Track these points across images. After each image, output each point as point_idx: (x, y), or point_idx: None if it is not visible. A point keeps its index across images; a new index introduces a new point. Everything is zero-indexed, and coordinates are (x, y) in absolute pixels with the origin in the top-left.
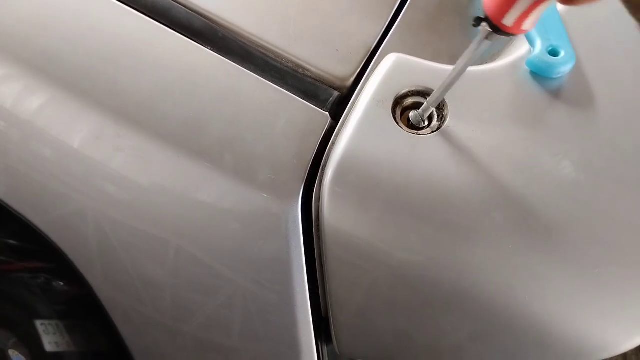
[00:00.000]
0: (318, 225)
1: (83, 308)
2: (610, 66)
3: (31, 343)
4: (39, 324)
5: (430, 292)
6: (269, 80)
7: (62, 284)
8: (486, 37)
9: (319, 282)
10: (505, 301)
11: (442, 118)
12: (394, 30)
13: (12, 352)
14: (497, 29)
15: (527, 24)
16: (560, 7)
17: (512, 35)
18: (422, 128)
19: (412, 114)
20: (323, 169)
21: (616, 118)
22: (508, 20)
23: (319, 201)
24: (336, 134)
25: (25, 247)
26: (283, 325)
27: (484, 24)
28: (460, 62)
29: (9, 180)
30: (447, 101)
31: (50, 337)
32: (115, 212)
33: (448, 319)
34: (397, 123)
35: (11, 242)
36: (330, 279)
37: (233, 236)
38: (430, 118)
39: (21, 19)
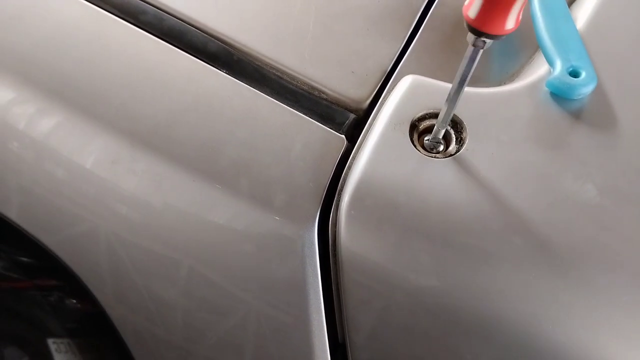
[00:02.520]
0: (335, 249)
1: (95, 326)
2: (633, 86)
3: None
4: (50, 342)
5: (450, 319)
6: (284, 103)
7: (74, 301)
8: (473, 44)
9: (335, 306)
10: (529, 329)
11: (460, 141)
12: (411, 51)
13: None
14: (474, 31)
15: (510, 22)
16: (580, 26)
17: (496, 36)
18: (440, 151)
19: (426, 137)
20: (340, 193)
21: None
22: (471, 15)
23: (335, 225)
24: (353, 157)
25: (38, 264)
26: (299, 349)
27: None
28: (456, 78)
29: (21, 200)
30: (465, 123)
31: (62, 356)
32: (128, 233)
33: (468, 347)
34: (415, 146)
35: (24, 259)
36: (347, 303)
37: (247, 258)
38: (448, 141)
39: (36, 43)
